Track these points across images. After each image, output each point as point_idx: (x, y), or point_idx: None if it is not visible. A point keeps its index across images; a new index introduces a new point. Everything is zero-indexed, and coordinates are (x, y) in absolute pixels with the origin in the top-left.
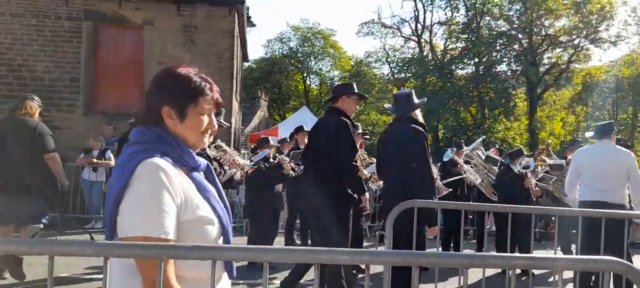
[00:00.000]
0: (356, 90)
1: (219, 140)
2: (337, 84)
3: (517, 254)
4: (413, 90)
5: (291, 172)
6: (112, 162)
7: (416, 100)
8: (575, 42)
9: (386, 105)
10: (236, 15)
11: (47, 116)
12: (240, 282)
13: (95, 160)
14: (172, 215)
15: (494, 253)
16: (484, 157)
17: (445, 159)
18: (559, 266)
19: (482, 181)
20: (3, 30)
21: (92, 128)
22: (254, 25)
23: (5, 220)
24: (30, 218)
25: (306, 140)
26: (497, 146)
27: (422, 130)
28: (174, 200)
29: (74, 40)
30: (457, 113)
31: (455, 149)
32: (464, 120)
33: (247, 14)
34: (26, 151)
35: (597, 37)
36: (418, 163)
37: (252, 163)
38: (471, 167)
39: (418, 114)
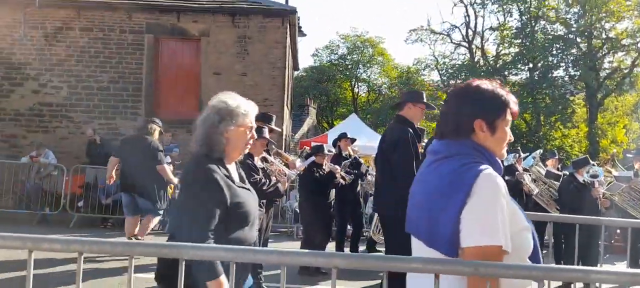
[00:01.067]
0: (424, 99)
1: (274, 148)
2: (406, 90)
3: (597, 268)
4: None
5: (342, 180)
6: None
7: None
8: (639, 45)
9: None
10: (288, 26)
11: (111, 123)
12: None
13: None
14: (507, 227)
15: (566, 266)
16: (543, 173)
17: (506, 163)
18: None
19: (541, 193)
20: (72, 44)
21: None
22: (304, 35)
23: (133, 211)
24: (147, 210)
25: (349, 147)
26: (556, 155)
27: None
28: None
29: (137, 52)
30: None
31: (517, 155)
32: (518, 127)
33: (298, 24)
34: (144, 162)
35: None
36: None
37: (298, 172)
38: (530, 176)
39: None
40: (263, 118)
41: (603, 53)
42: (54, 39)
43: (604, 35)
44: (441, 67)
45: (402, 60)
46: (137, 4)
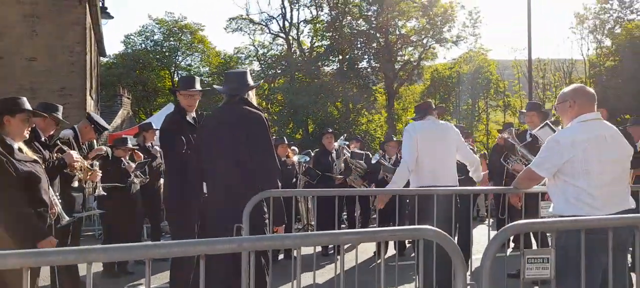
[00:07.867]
0: (195, 86)
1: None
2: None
3: (323, 232)
4: (248, 70)
5: (135, 179)
6: None
7: (251, 81)
8: (424, 41)
9: (216, 87)
10: (87, 5)
11: None
12: None
13: None
14: None
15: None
16: (349, 154)
17: (373, 161)
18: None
19: (350, 175)
20: None
21: None
22: (111, 17)
23: None
24: None
25: (154, 138)
26: (359, 138)
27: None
28: None
29: None
30: (325, 107)
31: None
32: (332, 114)
33: (102, 4)
34: None
35: (442, 37)
36: (264, 150)
37: None
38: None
39: (253, 97)
40: (46, 108)
41: (397, 47)
42: None
43: (397, 32)
44: (260, 57)
45: (224, 48)
46: None
